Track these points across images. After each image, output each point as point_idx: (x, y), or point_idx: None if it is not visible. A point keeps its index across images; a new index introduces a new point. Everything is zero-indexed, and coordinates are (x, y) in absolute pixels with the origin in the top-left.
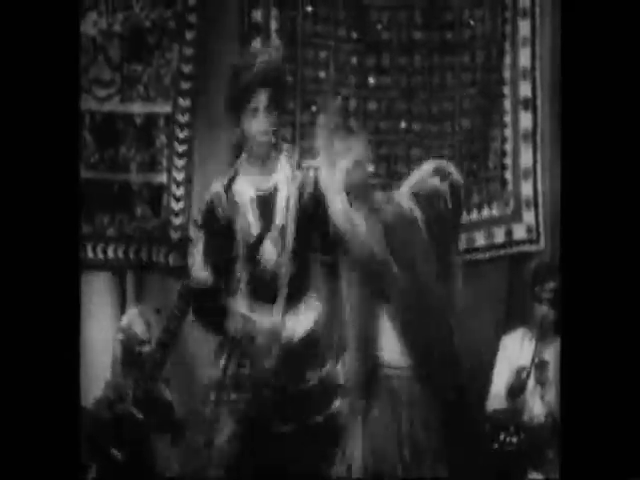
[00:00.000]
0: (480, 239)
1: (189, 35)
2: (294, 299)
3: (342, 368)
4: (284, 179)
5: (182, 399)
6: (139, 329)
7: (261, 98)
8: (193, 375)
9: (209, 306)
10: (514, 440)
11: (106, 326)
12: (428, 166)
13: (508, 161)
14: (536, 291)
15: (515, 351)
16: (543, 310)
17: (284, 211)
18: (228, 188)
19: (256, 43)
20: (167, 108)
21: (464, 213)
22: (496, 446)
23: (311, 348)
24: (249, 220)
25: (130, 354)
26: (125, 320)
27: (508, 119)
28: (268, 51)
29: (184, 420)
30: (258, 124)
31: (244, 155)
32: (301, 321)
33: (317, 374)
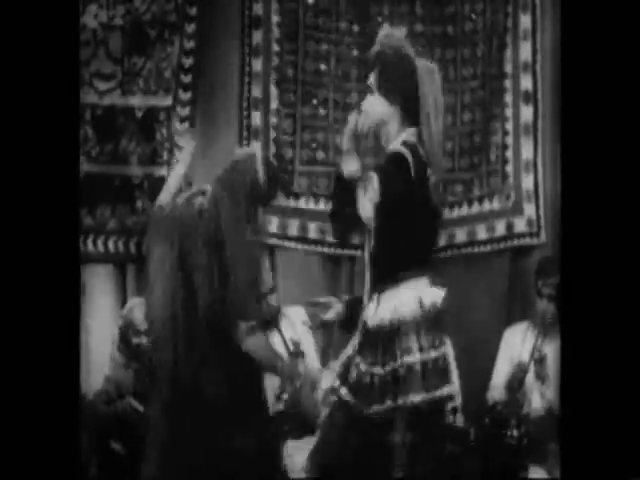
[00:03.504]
0: (481, 232)
1: (190, 28)
2: None
3: None
4: None
5: None
6: (138, 317)
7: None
8: None
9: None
10: (515, 434)
11: (107, 318)
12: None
13: (509, 154)
14: (539, 285)
15: (517, 344)
16: (544, 305)
17: None
18: None
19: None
20: (168, 101)
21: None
22: (497, 440)
23: None
24: None
25: (127, 342)
26: (126, 307)
27: (509, 112)
28: (393, 35)
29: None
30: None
31: None
32: None
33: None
